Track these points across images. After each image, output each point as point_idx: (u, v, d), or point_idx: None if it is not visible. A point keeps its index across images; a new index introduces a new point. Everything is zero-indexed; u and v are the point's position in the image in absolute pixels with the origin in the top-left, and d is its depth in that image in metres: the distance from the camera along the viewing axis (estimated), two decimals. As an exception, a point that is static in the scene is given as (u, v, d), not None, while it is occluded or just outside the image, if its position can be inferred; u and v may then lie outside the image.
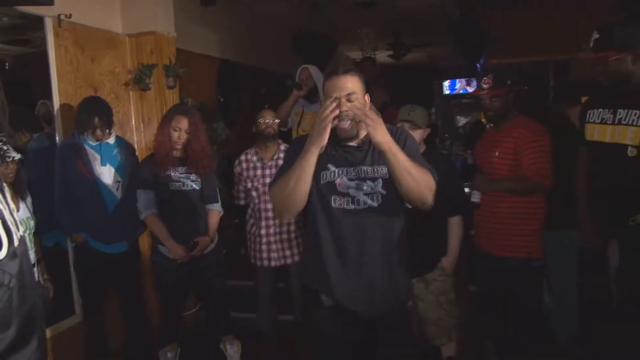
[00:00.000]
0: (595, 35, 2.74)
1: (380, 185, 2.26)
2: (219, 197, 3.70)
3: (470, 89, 11.56)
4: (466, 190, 3.54)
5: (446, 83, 12.07)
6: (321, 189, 2.27)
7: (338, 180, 2.26)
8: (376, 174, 2.27)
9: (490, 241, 3.31)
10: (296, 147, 2.31)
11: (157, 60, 4.39)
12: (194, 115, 3.50)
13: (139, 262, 3.92)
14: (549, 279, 3.69)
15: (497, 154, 3.23)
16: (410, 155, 2.21)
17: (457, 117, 12.35)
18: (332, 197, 2.26)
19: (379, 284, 2.29)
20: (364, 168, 2.27)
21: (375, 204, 2.26)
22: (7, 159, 2.72)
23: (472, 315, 3.88)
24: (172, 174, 3.48)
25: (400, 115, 3.27)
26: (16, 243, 1.42)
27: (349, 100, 2.19)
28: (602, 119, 2.77)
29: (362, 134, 2.28)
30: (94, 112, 3.49)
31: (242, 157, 3.92)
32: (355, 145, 2.31)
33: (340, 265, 2.27)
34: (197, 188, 3.54)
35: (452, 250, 3.29)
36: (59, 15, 3.74)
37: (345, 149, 2.30)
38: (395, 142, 2.16)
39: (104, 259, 3.60)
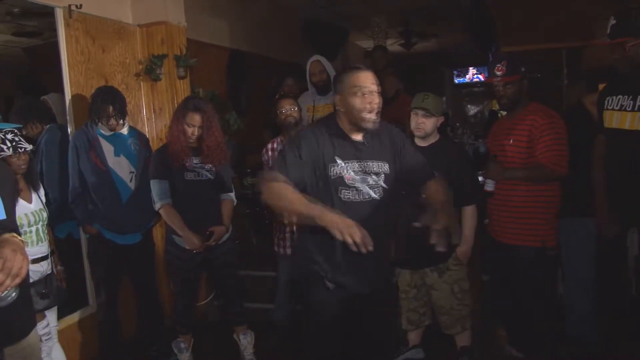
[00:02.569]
0: (612, 21, 2.70)
1: (383, 179, 2.45)
2: (232, 186, 3.69)
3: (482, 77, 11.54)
4: (479, 179, 3.51)
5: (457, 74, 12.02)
6: (330, 182, 2.39)
7: (346, 175, 2.40)
8: (380, 170, 2.45)
9: (504, 230, 3.27)
10: (299, 141, 2.43)
11: (167, 50, 4.37)
12: (207, 110, 3.44)
13: (153, 252, 3.93)
14: (563, 267, 3.67)
15: (511, 141, 3.19)
16: (410, 153, 2.56)
17: (468, 105, 12.30)
18: (341, 190, 2.40)
19: (375, 265, 2.47)
20: (369, 163, 2.44)
21: (377, 197, 2.44)
22: (20, 150, 2.72)
23: (484, 304, 3.85)
24: (187, 164, 3.46)
25: (414, 103, 3.25)
26: None
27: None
28: (621, 105, 2.73)
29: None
30: (108, 101, 3.49)
31: (269, 146, 3.90)
32: (361, 140, 2.45)
33: (345, 252, 2.35)
34: (212, 178, 3.52)
35: (467, 239, 3.27)
36: (70, 5, 3.74)
37: (351, 143, 2.44)
38: (394, 144, 2.50)
39: (118, 250, 3.61)
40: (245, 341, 3.72)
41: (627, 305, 2.91)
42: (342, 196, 2.38)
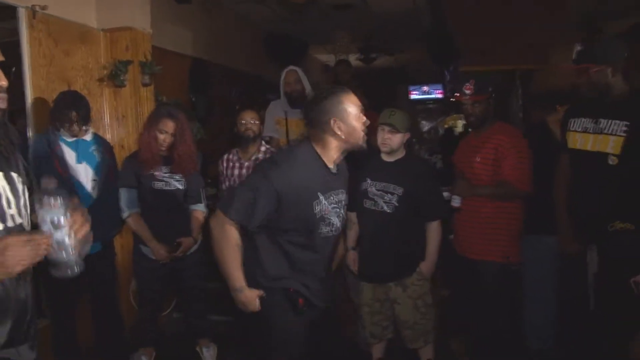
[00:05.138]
0: (578, 48, 2.83)
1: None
2: (202, 197, 3.64)
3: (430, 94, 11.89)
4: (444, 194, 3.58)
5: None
6: (313, 220, 2.34)
7: (325, 209, 2.36)
8: (342, 198, 2.46)
9: (469, 245, 3.35)
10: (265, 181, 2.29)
11: (132, 56, 4.29)
12: (180, 117, 3.43)
13: (114, 263, 3.81)
14: (523, 283, 3.76)
15: (478, 159, 3.28)
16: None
17: (423, 122, 12.51)
18: (321, 226, 2.37)
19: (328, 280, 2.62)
20: (337, 191, 2.42)
21: (339, 225, 2.47)
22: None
23: (444, 318, 3.91)
24: (156, 173, 3.41)
25: (381, 118, 3.28)
26: None
27: None
28: (585, 127, 2.84)
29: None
30: (71, 106, 3.38)
31: (225, 157, 3.89)
32: (332, 168, 2.40)
33: (312, 272, 2.45)
34: (182, 188, 3.48)
35: (431, 254, 3.30)
36: (33, 6, 3.61)
37: (329, 174, 2.39)
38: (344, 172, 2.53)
39: (76, 259, 3.49)
40: (208, 354, 3.67)
41: (586, 319, 3.01)
42: (322, 234, 2.38)
